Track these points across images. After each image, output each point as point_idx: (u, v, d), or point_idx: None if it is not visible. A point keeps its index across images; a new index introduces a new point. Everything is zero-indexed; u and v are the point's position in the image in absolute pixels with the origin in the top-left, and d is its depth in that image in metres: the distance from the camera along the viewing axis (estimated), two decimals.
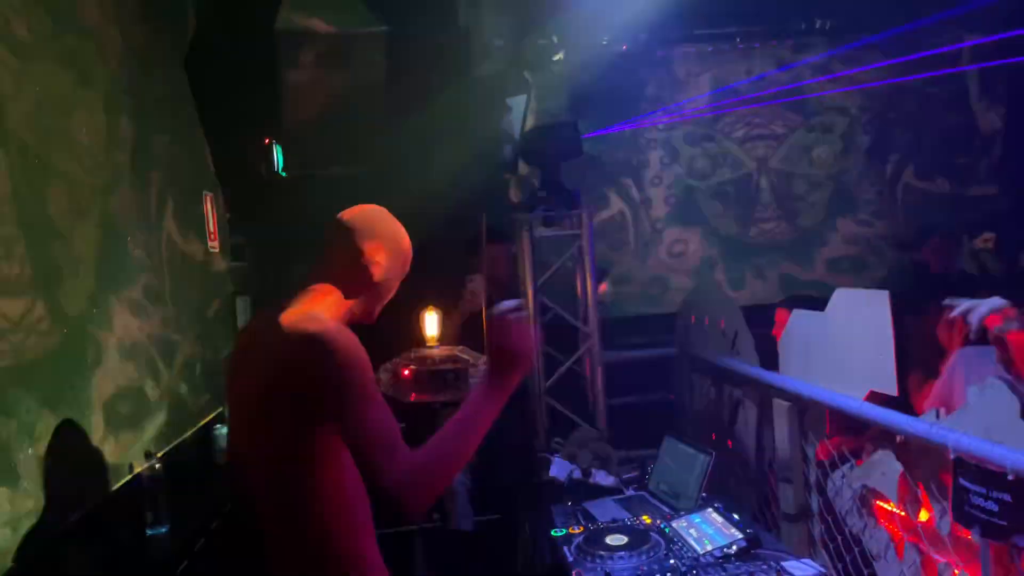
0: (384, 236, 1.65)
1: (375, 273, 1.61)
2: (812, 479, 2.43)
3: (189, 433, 2.88)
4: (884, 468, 2.02)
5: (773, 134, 5.59)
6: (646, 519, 2.29)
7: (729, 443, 3.12)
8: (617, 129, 4.79)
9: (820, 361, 2.36)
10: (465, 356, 2.69)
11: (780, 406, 2.53)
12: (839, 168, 5.67)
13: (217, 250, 3.44)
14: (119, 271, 2.37)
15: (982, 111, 5.38)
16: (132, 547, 2.21)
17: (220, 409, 3.21)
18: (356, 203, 1.81)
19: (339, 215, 1.68)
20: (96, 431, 2.14)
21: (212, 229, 3.38)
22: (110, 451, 2.22)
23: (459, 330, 3.47)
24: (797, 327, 2.52)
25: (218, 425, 3.05)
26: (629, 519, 2.31)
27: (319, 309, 1.53)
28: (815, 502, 2.44)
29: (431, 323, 2.91)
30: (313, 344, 1.40)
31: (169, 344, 2.77)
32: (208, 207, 3.34)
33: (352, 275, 1.61)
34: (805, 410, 2.44)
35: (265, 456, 1.49)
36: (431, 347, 2.83)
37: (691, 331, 3.50)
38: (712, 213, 5.80)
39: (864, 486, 2.16)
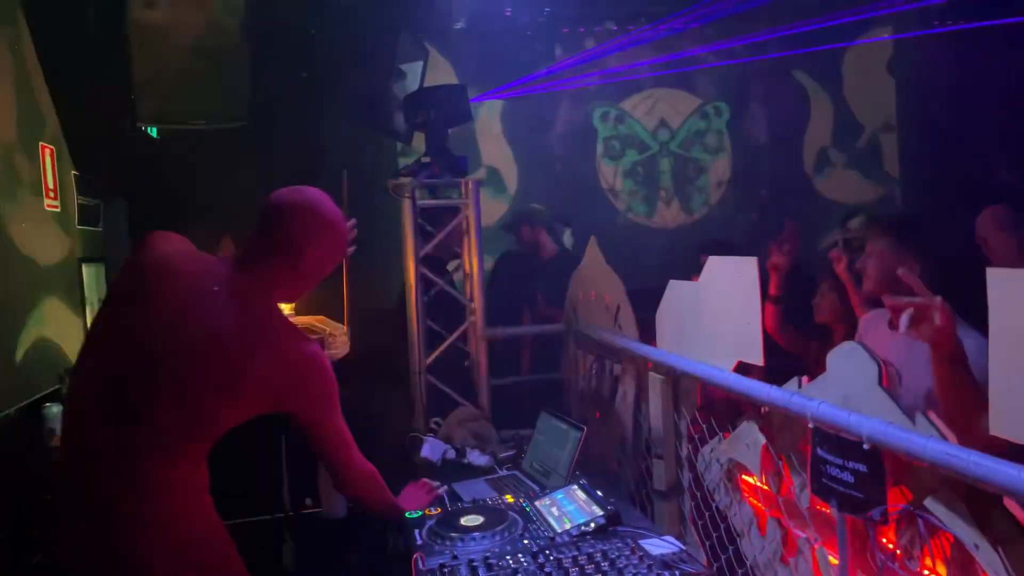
0: (328, 237, 1.68)
1: (316, 276, 1.72)
2: (684, 454, 2.34)
3: (9, 411, 2.56)
4: (748, 440, 1.94)
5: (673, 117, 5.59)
6: (508, 498, 2.14)
7: (598, 417, 3.02)
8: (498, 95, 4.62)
9: (694, 332, 2.27)
10: (323, 326, 2.49)
11: (654, 380, 2.44)
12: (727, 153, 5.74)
13: (58, 209, 3.09)
14: None
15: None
16: None
17: (56, 387, 2.88)
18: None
19: (279, 202, 1.65)
20: None
21: (51, 186, 3.03)
22: None
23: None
24: (673, 297, 2.42)
25: (47, 404, 2.72)
26: (492, 499, 2.16)
27: (276, 301, 1.70)
28: (687, 478, 2.35)
29: None
30: (312, 365, 1.62)
31: None
32: (46, 161, 2.99)
33: (291, 269, 1.66)
34: (677, 383, 2.35)
35: (187, 413, 1.51)
36: (290, 316, 2.60)
37: (579, 307, 3.39)
38: (621, 193, 5.77)
39: (731, 460, 2.07)
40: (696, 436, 2.27)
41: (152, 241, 1.64)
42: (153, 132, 4.33)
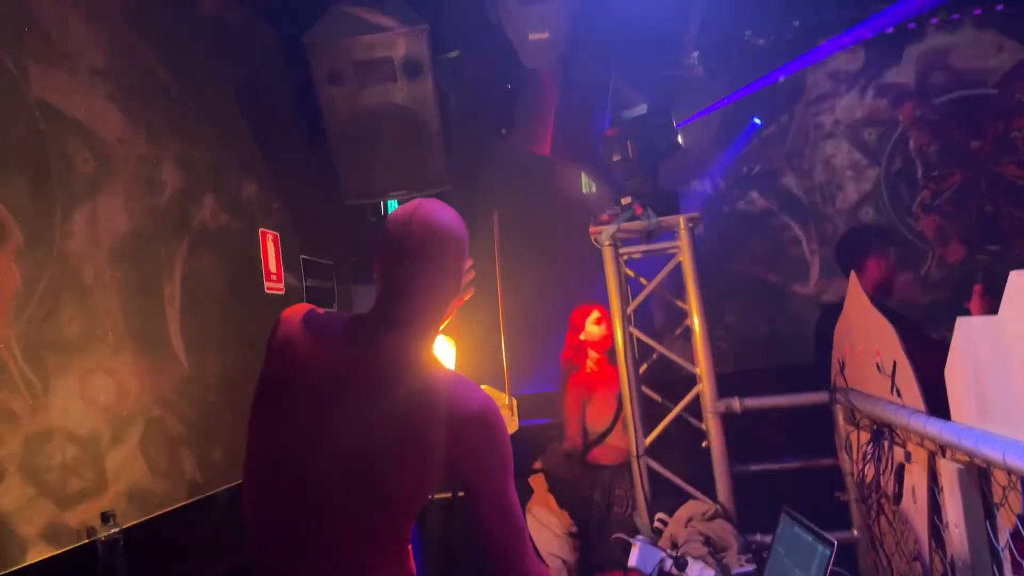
0: (465, 239, 1.49)
1: (450, 291, 1.47)
2: None
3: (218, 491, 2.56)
4: None
5: None
6: None
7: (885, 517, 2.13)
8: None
9: (1001, 391, 1.43)
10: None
11: (948, 469, 1.60)
12: None
13: (281, 292, 3.20)
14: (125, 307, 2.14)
15: None
16: None
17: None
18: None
19: (417, 216, 1.43)
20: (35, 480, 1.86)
21: (273, 270, 3.15)
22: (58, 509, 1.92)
23: None
24: (965, 343, 1.59)
25: None
26: None
27: (430, 344, 1.47)
28: None
29: None
30: (488, 420, 1.37)
31: (186, 396, 2.50)
32: (268, 246, 3.12)
33: (451, 292, 1.47)
34: (986, 475, 1.50)
35: (372, 488, 1.33)
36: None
37: (847, 367, 2.55)
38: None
39: None
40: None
41: (281, 321, 1.49)
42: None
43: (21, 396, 1.85)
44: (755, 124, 4.24)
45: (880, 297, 2.62)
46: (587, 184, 3.06)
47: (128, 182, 2.30)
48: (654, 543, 2.32)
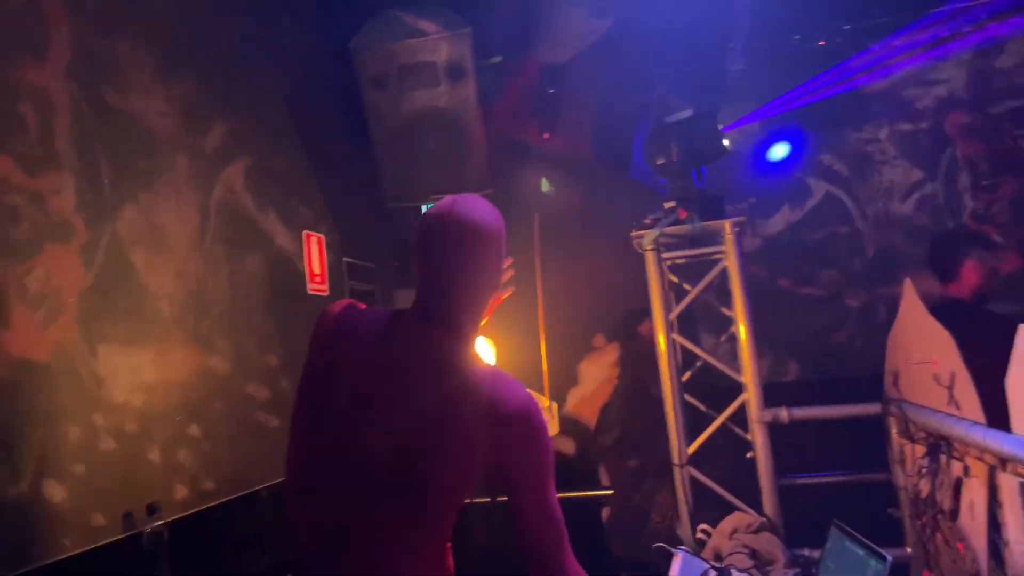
0: (503, 233, 1.48)
1: (491, 285, 1.47)
2: None
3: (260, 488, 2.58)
4: None
5: None
6: None
7: (960, 547, 2.04)
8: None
9: None
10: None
11: (1009, 484, 1.53)
12: None
13: (325, 294, 3.23)
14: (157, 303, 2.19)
15: None
16: None
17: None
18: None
19: (455, 211, 1.43)
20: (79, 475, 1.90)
21: (317, 271, 3.19)
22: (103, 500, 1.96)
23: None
24: None
25: None
26: None
27: (471, 340, 1.45)
28: None
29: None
30: (528, 418, 1.36)
31: (231, 391, 2.53)
32: (312, 249, 3.16)
33: (490, 288, 1.47)
34: None
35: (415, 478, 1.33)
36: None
37: (901, 378, 2.47)
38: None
39: None
40: None
41: (324, 316, 1.50)
42: None
43: (83, 387, 1.90)
44: (792, 136, 4.13)
45: (979, 303, 2.50)
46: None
47: (180, 184, 2.35)
48: (697, 554, 2.27)
